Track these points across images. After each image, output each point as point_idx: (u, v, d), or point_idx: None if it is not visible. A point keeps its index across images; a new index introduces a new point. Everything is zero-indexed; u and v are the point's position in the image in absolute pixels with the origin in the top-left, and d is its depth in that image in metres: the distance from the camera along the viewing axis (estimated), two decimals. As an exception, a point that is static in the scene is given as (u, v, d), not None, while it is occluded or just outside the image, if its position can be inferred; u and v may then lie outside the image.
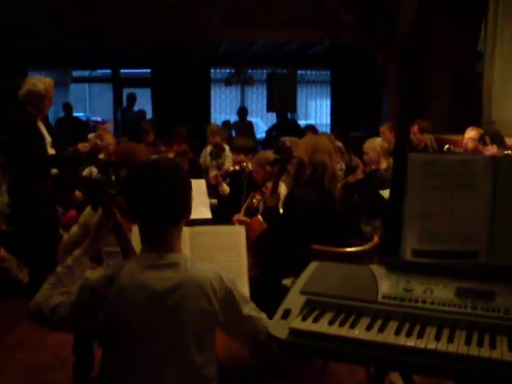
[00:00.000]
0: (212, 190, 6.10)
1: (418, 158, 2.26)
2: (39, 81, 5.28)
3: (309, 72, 15.18)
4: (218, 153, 7.61)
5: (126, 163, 3.64)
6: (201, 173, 7.60)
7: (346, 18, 9.93)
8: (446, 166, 2.23)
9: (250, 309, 2.22)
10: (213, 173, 6.02)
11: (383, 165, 6.11)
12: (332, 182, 3.97)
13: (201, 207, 4.65)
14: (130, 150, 3.86)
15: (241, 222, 5.15)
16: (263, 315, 2.25)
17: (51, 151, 5.39)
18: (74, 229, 3.70)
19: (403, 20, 9.80)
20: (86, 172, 6.56)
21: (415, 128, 7.44)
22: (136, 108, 13.17)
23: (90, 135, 5.57)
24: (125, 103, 13.35)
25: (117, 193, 2.48)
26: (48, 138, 5.35)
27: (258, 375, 2.52)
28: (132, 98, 12.99)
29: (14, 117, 5.34)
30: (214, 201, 5.98)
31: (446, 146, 6.90)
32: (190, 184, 2.21)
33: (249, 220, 5.10)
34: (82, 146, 5.44)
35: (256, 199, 5.23)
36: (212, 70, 14.59)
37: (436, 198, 2.22)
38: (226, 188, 5.97)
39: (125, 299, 2.05)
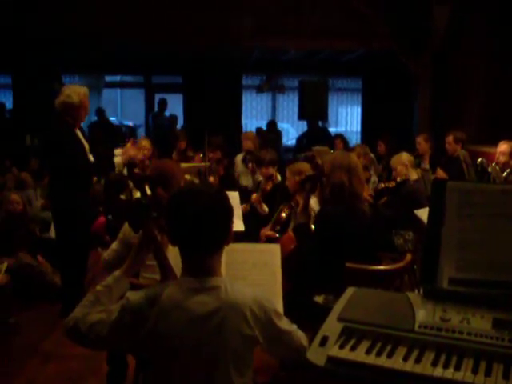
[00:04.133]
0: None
1: (456, 186, 2.27)
2: (74, 92, 5.32)
3: (340, 80, 15.15)
4: (251, 160, 7.66)
5: (161, 182, 3.68)
6: (234, 180, 7.70)
7: (379, 26, 9.92)
8: (485, 195, 2.24)
9: (284, 324, 2.25)
10: (253, 196, 6.07)
11: (413, 176, 6.15)
12: (354, 199, 3.95)
13: (234, 219, 4.68)
14: (166, 168, 3.89)
15: (268, 237, 5.20)
16: (294, 326, 2.29)
17: (90, 157, 5.49)
18: (114, 245, 3.76)
19: (437, 29, 9.75)
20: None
21: (450, 138, 7.46)
22: (167, 113, 13.30)
23: (117, 152, 5.63)
24: (156, 108, 13.47)
25: (158, 215, 2.51)
26: (86, 145, 5.44)
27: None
28: (163, 104, 13.09)
29: (53, 126, 5.42)
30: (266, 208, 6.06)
31: (480, 160, 6.86)
32: (232, 211, 2.24)
33: (277, 235, 5.14)
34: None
35: (284, 213, 5.25)
36: (244, 77, 14.67)
37: (474, 226, 2.23)
38: (265, 208, 6.00)
39: (166, 322, 2.08)
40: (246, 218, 5.56)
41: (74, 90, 5.37)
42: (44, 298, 5.75)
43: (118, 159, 5.56)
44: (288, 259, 3.99)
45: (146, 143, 7.24)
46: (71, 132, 5.30)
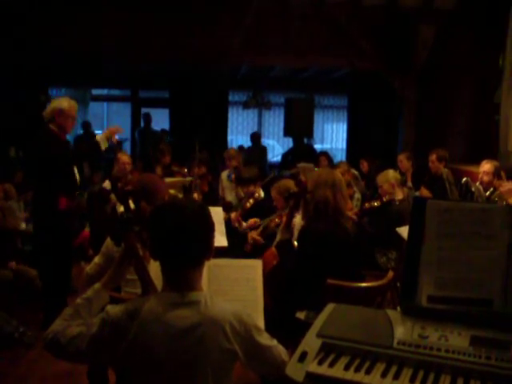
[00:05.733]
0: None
1: (436, 205, 2.30)
2: (64, 100, 5.45)
3: (326, 97, 15.25)
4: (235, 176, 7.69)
5: (145, 196, 3.68)
6: (217, 196, 7.73)
7: (364, 45, 10.02)
8: (464, 214, 2.27)
9: (264, 338, 2.26)
10: (232, 215, 6.07)
11: (399, 195, 6.14)
12: (337, 215, 3.98)
13: (217, 235, 4.67)
14: (150, 182, 3.90)
15: (255, 240, 5.22)
16: (275, 341, 2.29)
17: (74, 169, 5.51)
18: (97, 259, 3.75)
19: (421, 48, 9.87)
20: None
21: (434, 156, 7.52)
22: (155, 127, 13.31)
23: (98, 136, 5.68)
24: (142, 123, 13.50)
25: (140, 229, 2.52)
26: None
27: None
28: (147, 118, 13.14)
29: (39, 135, 5.45)
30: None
31: (464, 179, 6.91)
32: (213, 226, 2.25)
33: (262, 241, 5.15)
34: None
35: (274, 222, 5.28)
36: (230, 93, 14.73)
37: (453, 245, 2.25)
38: (245, 226, 6.02)
39: (146, 335, 2.09)
40: (230, 232, 5.58)
41: (65, 99, 5.51)
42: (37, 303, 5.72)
43: (98, 136, 5.59)
44: (270, 275, 4.01)
45: (125, 158, 7.23)
46: (55, 141, 5.32)
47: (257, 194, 6.27)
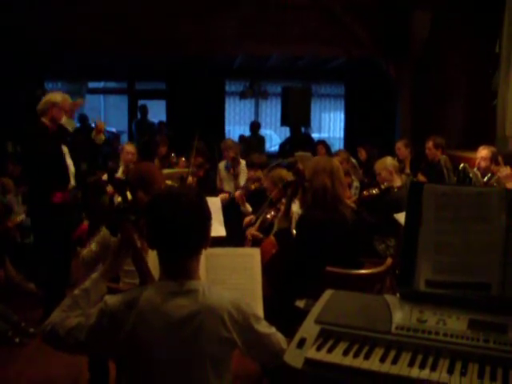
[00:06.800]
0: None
1: (433, 189, 2.30)
2: (58, 93, 5.52)
3: (323, 86, 15.22)
4: (233, 166, 7.70)
5: (142, 185, 3.67)
6: (214, 184, 7.75)
7: (360, 33, 9.99)
8: (461, 198, 2.27)
9: (263, 326, 2.25)
10: (237, 192, 6.13)
11: (397, 183, 6.13)
12: (336, 203, 3.97)
13: (215, 225, 4.68)
14: (147, 171, 3.89)
15: (254, 236, 5.21)
16: (273, 329, 2.29)
17: (69, 161, 5.49)
18: (93, 246, 3.75)
19: (416, 34, 9.85)
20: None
21: (430, 143, 7.49)
22: (152, 119, 13.28)
23: (93, 135, 5.73)
24: (139, 115, 13.48)
25: (136, 219, 2.51)
26: (64, 149, 5.48)
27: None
28: (144, 110, 13.12)
29: (28, 128, 5.46)
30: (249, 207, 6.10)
31: (462, 165, 6.90)
32: (210, 215, 2.24)
33: (261, 236, 5.15)
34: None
35: (270, 215, 5.27)
36: (227, 83, 14.70)
37: (450, 229, 2.25)
38: (248, 207, 6.05)
39: (144, 325, 2.08)
40: (229, 217, 5.59)
41: (59, 93, 5.59)
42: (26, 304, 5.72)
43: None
44: (270, 264, 4.01)
45: (130, 148, 7.26)
46: (45, 134, 5.32)
47: (262, 180, 6.31)
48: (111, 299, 2.16)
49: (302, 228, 3.99)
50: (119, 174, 6.79)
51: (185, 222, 2.14)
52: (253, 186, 6.32)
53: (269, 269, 3.99)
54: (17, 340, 4.95)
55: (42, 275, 5.60)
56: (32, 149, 5.31)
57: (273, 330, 2.29)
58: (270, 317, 2.58)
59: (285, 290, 3.93)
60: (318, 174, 3.96)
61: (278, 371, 2.36)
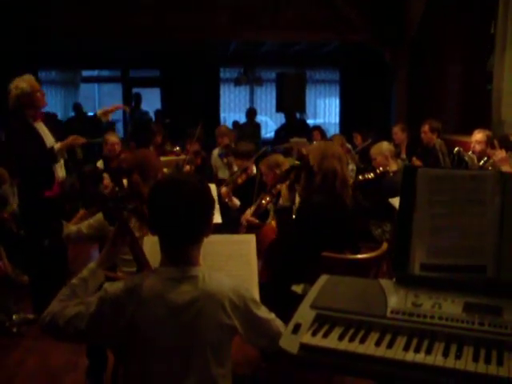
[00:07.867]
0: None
1: (427, 173, 2.29)
2: (20, 81, 5.10)
3: (318, 71, 15.17)
4: (227, 154, 7.67)
5: (140, 172, 3.67)
6: (211, 171, 7.73)
7: (353, 17, 9.95)
8: (455, 182, 2.26)
9: (263, 312, 2.26)
10: (223, 189, 6.01)
11: (393, 167, 6.13)
12: (343, 188, 3.96)
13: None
14: (143, 156, 3.89)
15: (249, 222, 5.20)
16: (273, 315, 2.30)
17: (50, 141, 5.29)
18: (84, 229, 3.75)
19: (412, 19, 9.81)
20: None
21: (426, 127, 7.47)
22: (146, 108, 13.23)
23: (99, 112, 5.66)
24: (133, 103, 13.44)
25: (135, 207, 2.51)
26: (50, 139, 5.23)
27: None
28: (138, 98, 13.07)
29: (10, 123, 5.29)
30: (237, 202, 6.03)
31: (456, 149, 6.90)
32: (213, 202, 2.25)
33: (257, 221, 5.14)
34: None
35: (265, 200, 5.25)
36: (221, 70, 14.64)
37: (445, 212, 2.25)
38: (236, 202, 5.98)
39: (145, 312, 2.08)
40: (223, 203, 5.57)
41: (20, 80, 5.14)
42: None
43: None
44: (269, 250, 4.01)
45: (114, 138, 7.02)
46: (27, 126, 5.12)
47: (249, 170, 6.25)
48: (111, 286, 2.16)
49: (302, 213, 3.97)
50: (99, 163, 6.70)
51: (189, 209, 2.13)
52: (240, 180, 6.20)
53: (268, 254, 4.00)
54: (14, 330, 4.95)
55: (34, 267, 5.56)
56: (16, 143, 5.19)
57: (272, 315, 2.30)
58: (266, 302, 2.59)
59: (283, 275, 3.93)
60: (328, 158, 3.92)
61: (276, 355, 2.36)
